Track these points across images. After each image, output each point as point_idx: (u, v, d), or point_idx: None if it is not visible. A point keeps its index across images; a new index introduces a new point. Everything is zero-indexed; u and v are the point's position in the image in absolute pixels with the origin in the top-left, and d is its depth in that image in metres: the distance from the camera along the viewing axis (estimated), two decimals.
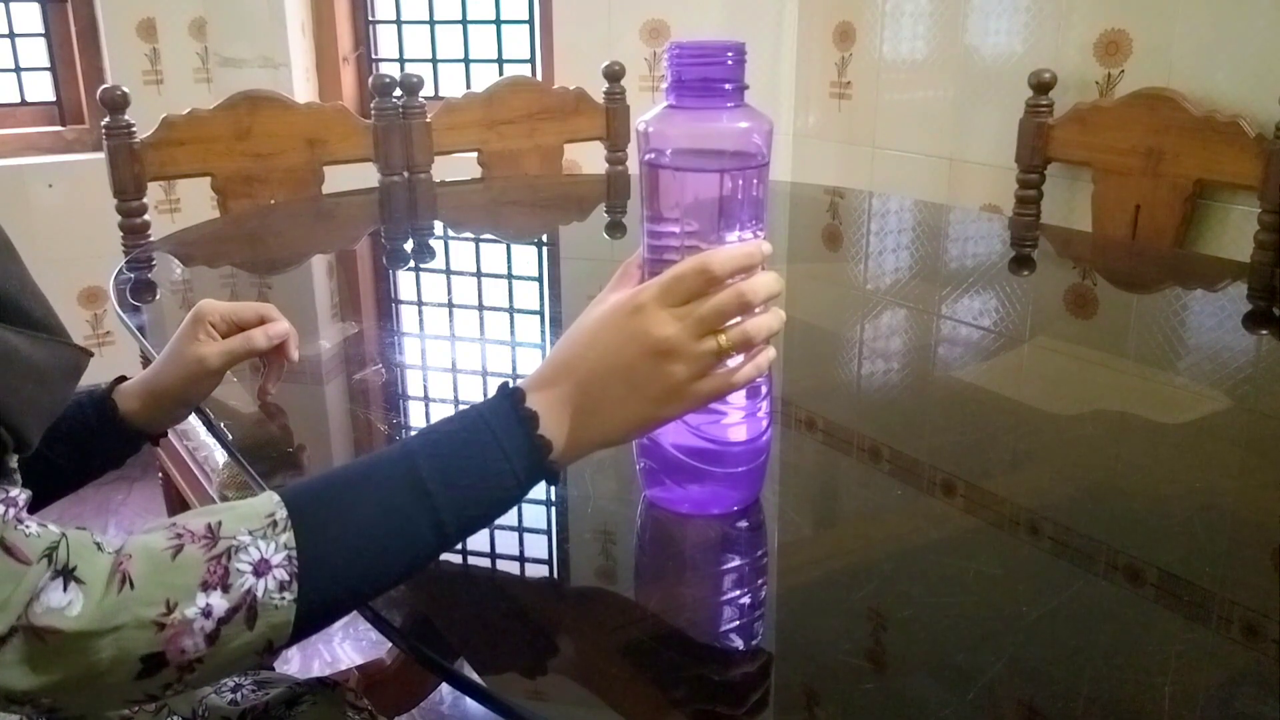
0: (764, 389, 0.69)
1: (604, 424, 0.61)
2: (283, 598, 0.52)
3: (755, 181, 0.65)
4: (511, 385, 0.60)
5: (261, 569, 0.52)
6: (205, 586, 0.51)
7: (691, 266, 0.60)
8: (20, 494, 0.53)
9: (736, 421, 0.69)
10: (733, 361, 0.61)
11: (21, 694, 0.50)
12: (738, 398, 0.68)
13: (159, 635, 0.50)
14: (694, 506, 0.72)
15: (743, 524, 0.72)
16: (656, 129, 0.66)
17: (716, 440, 0.69)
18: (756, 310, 0.61)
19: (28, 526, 0.51)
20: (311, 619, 0.54)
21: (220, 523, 0.53)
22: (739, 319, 0.61)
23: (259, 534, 0.53)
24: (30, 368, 0.57)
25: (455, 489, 0.57)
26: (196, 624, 0.51)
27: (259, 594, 0.52)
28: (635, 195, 2.07)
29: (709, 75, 0.65)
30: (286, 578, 0.52)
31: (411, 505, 0.56)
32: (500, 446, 0.58)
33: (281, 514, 0.54)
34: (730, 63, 0.65)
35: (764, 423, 0.70)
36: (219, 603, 0.51)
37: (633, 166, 2.15)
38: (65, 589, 0.50)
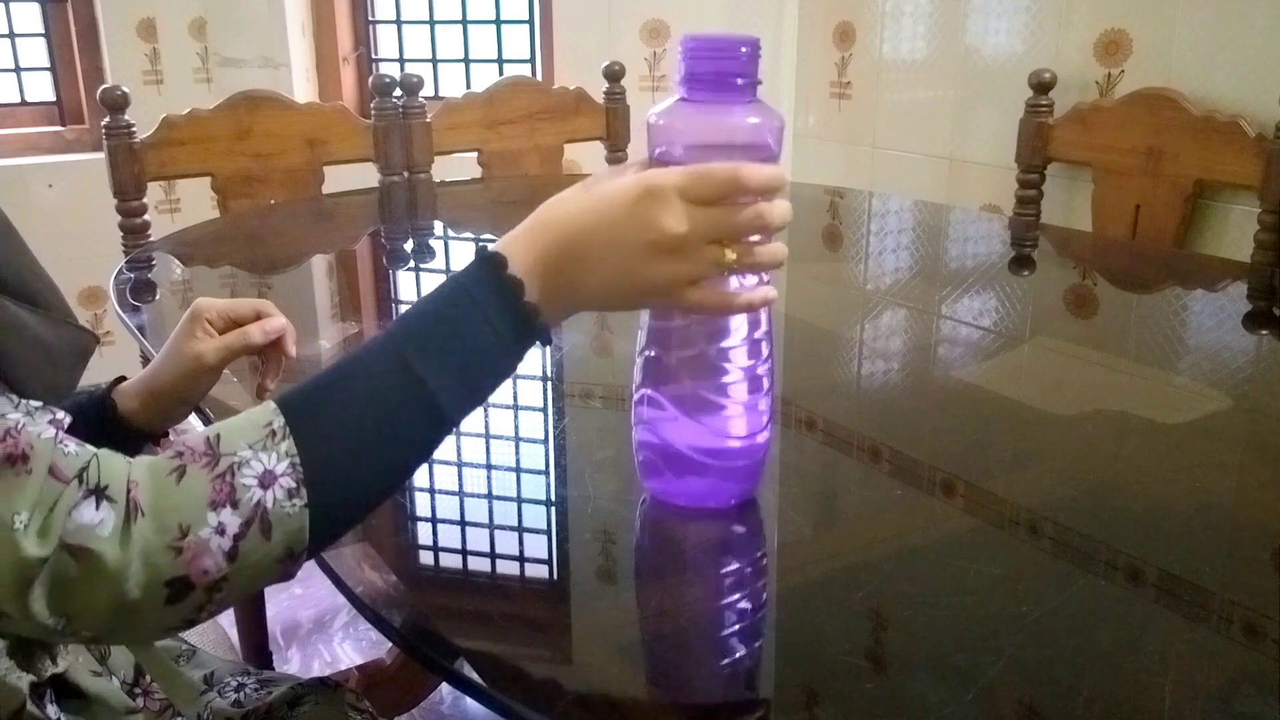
0: (765, 384, 0.70)
1: (583, 290, 0.59)
2: (293, 505, 0.52)
3: None
4: (490, 250, 0.58)
5: (267, 480, 0.52)
6: (214, 505, 0.51)
7: (724, 170, 0.58)
8: (64, 416, 0.53)
9: (737, 415, 0.69)
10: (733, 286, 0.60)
11: (59, 625, 0.50)
12: (739, 391, 0.68)
13: (179, 560, 0.50)
14: (691, 500, 0.72)
15: (742, 524, 0.72)
16: (667, 122, 0.66)
17: (717, 433, 0.69)
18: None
19: (66, 445, 0.51)
20: (328, 521, 0.54)
21: (219, 437, 0.53)
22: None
23: (259, 446, 0.53)
24: (38, 342, 0.58)
25: (446, 371, 0.56)
26: (213, 543, 0.51)
27: (269, 505, 0.52)
28: None
29: (722, 69, 0.65)
30: (294, 484, 0.52)
31: (405, 394, 0.55)
32: (486, 319, 0.56)
33: (279, 422, 0.53)
34: (744, 58, 0.64)
35: (764, 418, 0.70)
36: (230, 519, 0.51)
37: None
38: (98, 507, 0.50)
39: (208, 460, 0.52)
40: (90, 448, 0.52)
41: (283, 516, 0.52)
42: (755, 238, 0.60)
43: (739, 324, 0.67)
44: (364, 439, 0.55)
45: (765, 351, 0.69)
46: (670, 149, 0.65)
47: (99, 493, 0.50)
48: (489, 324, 0.56)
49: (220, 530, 0.51)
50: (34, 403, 0.53)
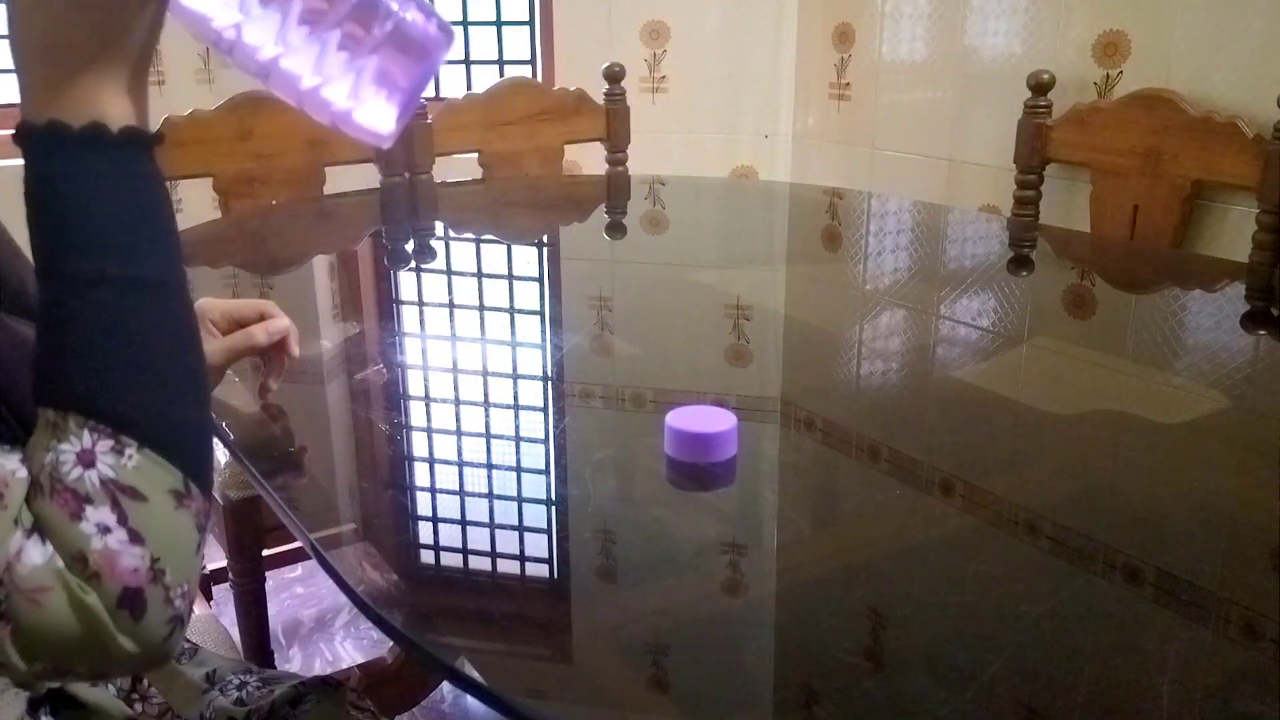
0: None
1: (94, 56, 0.51)
2: (130, 456, 0.50)
3: None
4: (18, 128, 0.52)
5: (87, 459, 0.50)
6: (76, 517, 0.49)
7: None
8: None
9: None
10: None
11: (45, 669, 0.49)
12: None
13: (105, 581, 0.49)
14: (416, 86, 0.59)
15: (743, 523, 0.73)
16: None
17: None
18: None
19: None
20: (173, 440, 0.52)
21: (29, 465, 0.51)
22: None
23: (54, 443, 0.50)
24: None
25: (97, 249, 0.51)
26: (111, 543, 0.49)
27: (113, 475, 0.50)
28: (636, 196, 2.08)
29: None
30: (112, 442, 0.50)
31: (100, 298, 0.51)
32: (71, 177, 0.51)
33: (50, 413, 0.51)
34: None
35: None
36: (99, 514, 0.49)
37: (634, 167, 2.16)
38: (43, 543, 0.48)
39: (34, 490, 0.50)
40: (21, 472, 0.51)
41: (133, 472, 0.50)
42: None
43: None
44: (113, 359, 0.51)
45: None
46: None
47: (41, 530, 0.49)
48: (72, 181, 0.51)
49: (104, 529, 0.49)
50: (3, 446, 0.52)
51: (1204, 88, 1.66)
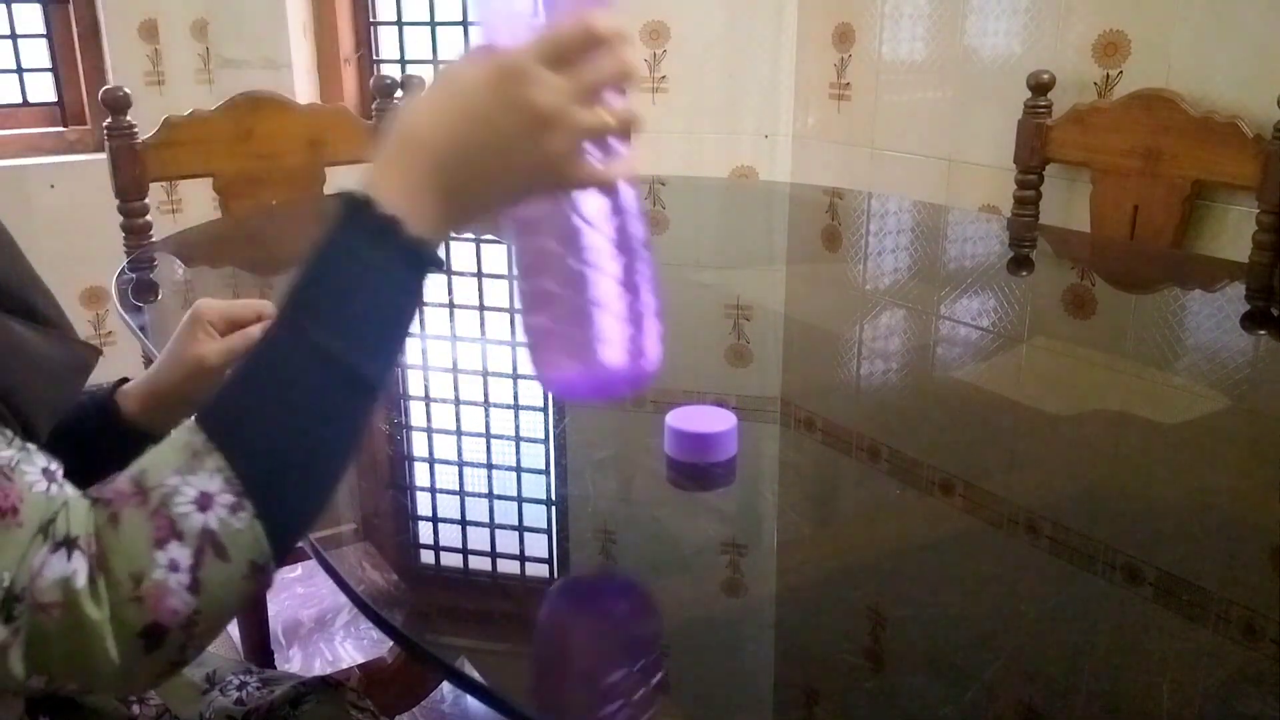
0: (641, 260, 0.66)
1: (472, 203, 0.56)
2: (240, 519, 0.50)
3: None
4: (354, 193, 0.55)
5: (204, 503, 0.50)
6: (159, 543, 0.49)
7: (574, 25, 0.54)
8: (58, 466, 0.52)
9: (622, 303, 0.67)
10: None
11: (40, 683, 0.49)
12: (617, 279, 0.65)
13: (143, 608, 0.49)
14: (593, 391, 0.68)
15: (743, 523, 0.73)
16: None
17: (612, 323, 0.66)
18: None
19: (48, 491, 0.51)
20: (284, 524, 0.52)
21: (144, 471, 0.51)
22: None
23: (185, 470, 0.50)
24: (40, 361, 0.58)
25: (351, 336, 0.53)
26: (171, 582, 0.49)
27: (215, 527, 0.50)
28: None
29: None
30: (233, 499, 0.50)
31: (318, 373, 0.53)
32: (378, 270, 0.54)
33: (199, 440, 0.51)
34: None
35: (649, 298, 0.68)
36: (180, 553, 0.49)
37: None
38: (69, 558, 0.48)
39: (138, 499, 0.50)
40: (66, 490, 0.51)
41: (234, 534, 0.50)
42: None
43: (606, 207, 0.63)
44: (291, 431, 0.53)
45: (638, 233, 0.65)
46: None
47: (69, 544, 0.49)
48: (380, 273, 0.54)
49: (174, 567, 0.49)
50: (29, 445, 0.52)
51: (1204, 88, 1.66)
